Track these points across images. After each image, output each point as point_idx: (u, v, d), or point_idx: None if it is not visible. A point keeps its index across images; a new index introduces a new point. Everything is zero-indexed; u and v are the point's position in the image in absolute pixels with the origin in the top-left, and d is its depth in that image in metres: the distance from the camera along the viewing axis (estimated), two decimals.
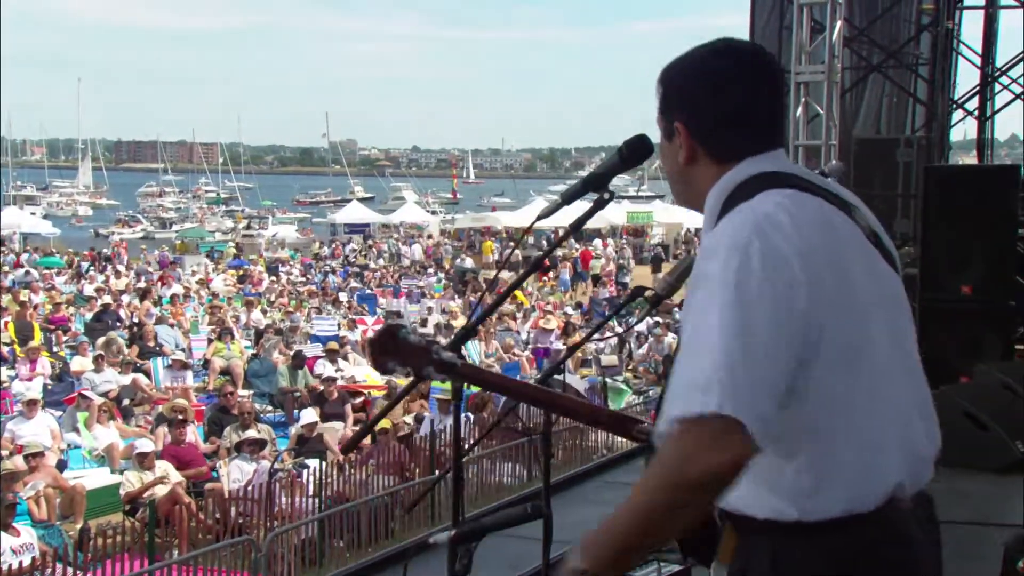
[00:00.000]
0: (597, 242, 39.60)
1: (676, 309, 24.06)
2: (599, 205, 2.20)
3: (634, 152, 2.14)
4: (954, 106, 10.67)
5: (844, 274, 1.79)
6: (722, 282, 1.69)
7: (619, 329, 19.06)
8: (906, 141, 12.02)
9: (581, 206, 2.34)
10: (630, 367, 19.30)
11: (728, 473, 1.64)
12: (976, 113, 10.69)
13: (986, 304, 7.73)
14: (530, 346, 20.01)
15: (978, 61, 11.32)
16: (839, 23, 9.43)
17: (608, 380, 16.05)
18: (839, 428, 1.78)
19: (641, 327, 21.75)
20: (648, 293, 2.91)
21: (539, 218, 2.52)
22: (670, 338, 19.81)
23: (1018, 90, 11.06)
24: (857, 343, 1.79)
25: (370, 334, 2.36)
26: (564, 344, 18.84)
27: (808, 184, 1.89)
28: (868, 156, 10.48)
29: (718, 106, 1.92)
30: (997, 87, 11.13)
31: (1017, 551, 3.23)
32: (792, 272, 1.71)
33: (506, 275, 32.18)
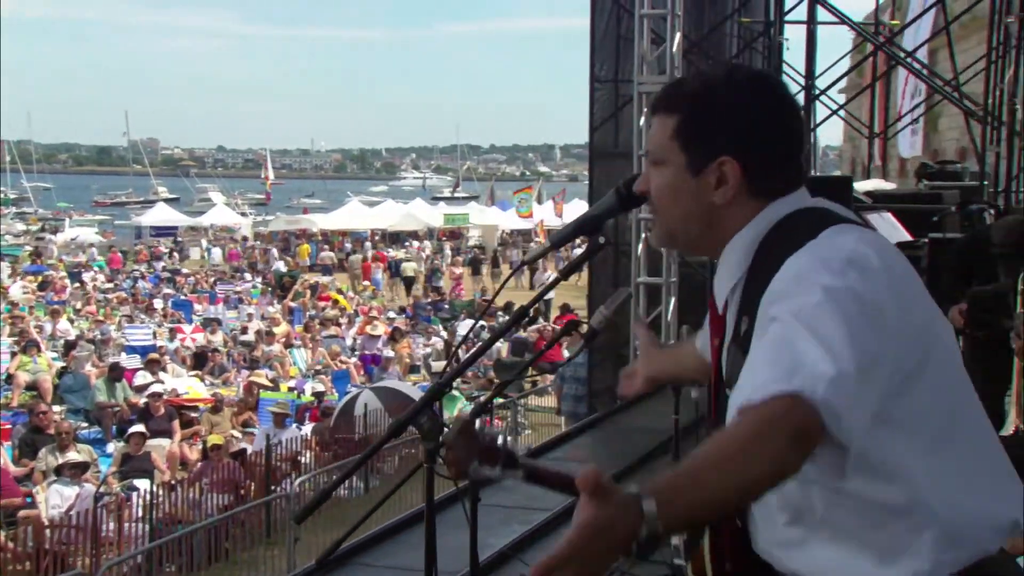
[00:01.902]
0: (413, 244, 39.44)
1: (500, 313, 24.17)
2: (592, 251, 2.04)
3: (633, 192, 1.98)
4: None
5: (931, 315, 1.74)
6: (817, 292, 1.58)
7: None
8: None
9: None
10: None
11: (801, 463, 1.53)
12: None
13: None
14: (357, 352, 19.66)
15: (796, 74, 11.81)
16: (678, 35, 9.63)
17: None
18: (956, 470, 1.70)
19: (466, 331, 21.75)
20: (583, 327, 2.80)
21: (525, 262, 2.35)
22: (498, 343, 19.88)
23: (834, 105, 11.60)
24: (950, 376, 1.74)
25: (448, 435, 1.92)
26: (393, 351, 18.60)
27: (854, 219, 1.80)
28: None
29: (776, 142, 1.80)
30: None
31: None
32: (889, 314, 1.62)
33: (326, 279, 31.68)
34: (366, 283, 30.93)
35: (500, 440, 1.74)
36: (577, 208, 49.00)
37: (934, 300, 1.80)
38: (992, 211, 9.85)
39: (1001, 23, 11.74)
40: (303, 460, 12.41)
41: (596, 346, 10.81)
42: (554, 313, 22.20)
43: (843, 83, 16.15)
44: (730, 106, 1.78)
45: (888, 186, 12.67)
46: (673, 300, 9.60)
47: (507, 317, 23.54)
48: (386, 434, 2.13)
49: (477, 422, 1.75)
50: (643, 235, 9.61)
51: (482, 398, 16.45)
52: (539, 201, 45.71)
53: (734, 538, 1.87)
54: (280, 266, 34.88)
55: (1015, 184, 11.30)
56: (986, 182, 11.65)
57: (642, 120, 9.46)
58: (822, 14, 11.78)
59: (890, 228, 8.45)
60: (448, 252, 39.35)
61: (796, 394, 1.49)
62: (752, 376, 1.59)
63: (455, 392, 16.50)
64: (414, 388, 15.56)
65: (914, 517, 1.68)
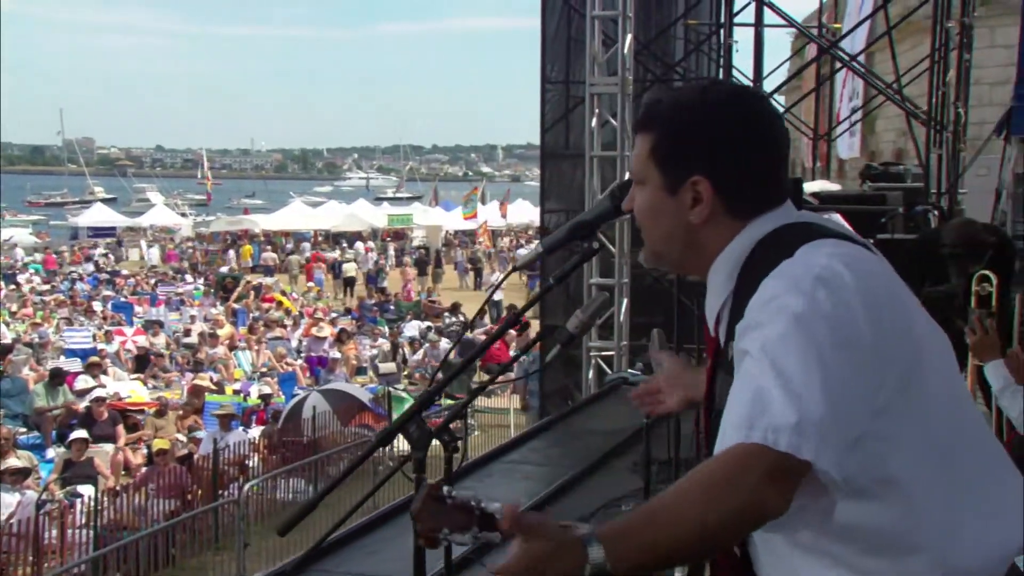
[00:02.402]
0: (359, 245, 39.13)
1: (447, 314, 24.11)
2: (585, 256, 2.01)
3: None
4: None
5: (910, 324, 1.69)
6: (784, 320, 1.56)
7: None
8: None
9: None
10: (406, 374, 19.13)
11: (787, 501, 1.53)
12: None
13: None
14: (303, 354, 19.47)
15: (743, 77, 11.92)
16: (629, 37, 9.65)
17: (390, 389, 15.81)
18: (957, 486, 1.67)
19: (414, 332, 21.65)
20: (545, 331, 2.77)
21: (516, 268, 2.29)
22: (445, 344, 19.79)
23: (779, 108, 11.72)
24: (942, 385, 1.70)
25: (414, 505, 1.56)
26: (339, 352, 18.44)
27: (838, 233, 1.76)
28: None
29: (750, 160, 1.76)
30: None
31: None
32: (864, 324, 1.59)
33: (270, 280, 31.34)
34: (310, 284, 30.68)
35: (473, 500, 1.62)
36: (521, 209, 49.06)
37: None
38: (936, 212, 10.03)
39: (942, 27, 11.98)
40: (251, 464, 12.26)
41: (548, 348, 10.81)
42: (504, 314, 22.17)
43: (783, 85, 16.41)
44: (702, 125, 1.76)
45: (833, 187, 12.83)
46: (625, 301, 9.62)
47: (454, 319, 23.50)
48: (375, 442, 2.08)
49: (444, 487, 1.64)
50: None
51: (438, 400, 16.36)
52: (483, 201, 45.71)
53: (735, 567, 1.85)
54: (225, 267, 34.49)
55: (958, 185, 11.53)
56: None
57: (594, 121, 9.47)
58: (768, 17, 11.92)
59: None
60: (392, 253, 39.12)
61: (759, 445, 1.49)
62: (726, 417, 1.58)
63: (402, 393, 16.42)
64: (362, 390, 15.46)
65: (910, 542, 1.66)
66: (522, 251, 38.82)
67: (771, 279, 1.65)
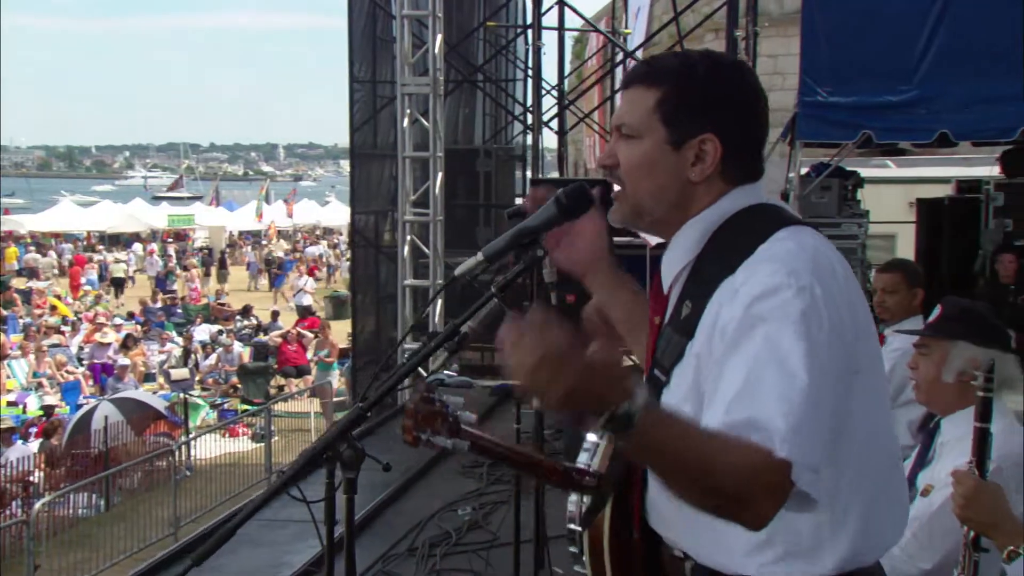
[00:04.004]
0: (137, 247, 37.36)
1: (238, 317, 23.37)
2: (529, 264, 1.95)
3: (575, 202, 1.89)
4: (523, 119, 11.31)
5: (869, 324, 1.74)
6: (793, 322, 1.58)
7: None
8: (485, 152, 12.62)
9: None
10: (198, 379, 18.42)
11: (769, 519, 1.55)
12: (556, 129, 11.47)
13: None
14: (85, 362, 18.40)
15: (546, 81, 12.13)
16: (439, 37, 9.64)
17: (186, 396, 15.18)
18: (861, 480, 1.71)
19: (204, 336, 20.85)
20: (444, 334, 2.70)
21: (455, 278, 2.19)
22: (238, 347, 19.21)
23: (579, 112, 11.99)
24: (876, 393, 1.75)
25: (409, 403, 1.88)
26: (127, 358, 17.53)
27: (805, 222, 1.80)
28: (451, 166, 10.84)
29: (751, 127, 1.80)
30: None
31: None
32: (847, 326, 1.65)
33: (42, 284, 29.41)
34: (87, 288, 29.04)
35: (449, 408, 1.78)
36: (306, 208, 48.12)
37: None
38: None
39: (731, 34, 12.53)
40: (34, 479, 11.48)
41: (359, 351, 10.67)
42: (302, 316, 21.70)
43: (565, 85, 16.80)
44: (716, 84, 1.78)
45: None
46: (440, 302, 9.60)
47: (245, 321, 22.81)
48: (300, 461, 1.93)
49: (436, 392, 1.79)
50: (408, 237, 9.54)
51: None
52: (268, 201, 44.70)
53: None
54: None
55: None
56: None
57: (405, 121, 9.40)
58: (569, 21, 12.18)
59: None
60: (172, 254, 37.55)
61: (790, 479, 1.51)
62: (745, 389, 1.57)
63: (198, 400, 15.83)
64: (156, 397, 14.76)
65: (821, 516, 1.68)
66: (312, 249, 38.17)
67: (767, 263, 1.66)
